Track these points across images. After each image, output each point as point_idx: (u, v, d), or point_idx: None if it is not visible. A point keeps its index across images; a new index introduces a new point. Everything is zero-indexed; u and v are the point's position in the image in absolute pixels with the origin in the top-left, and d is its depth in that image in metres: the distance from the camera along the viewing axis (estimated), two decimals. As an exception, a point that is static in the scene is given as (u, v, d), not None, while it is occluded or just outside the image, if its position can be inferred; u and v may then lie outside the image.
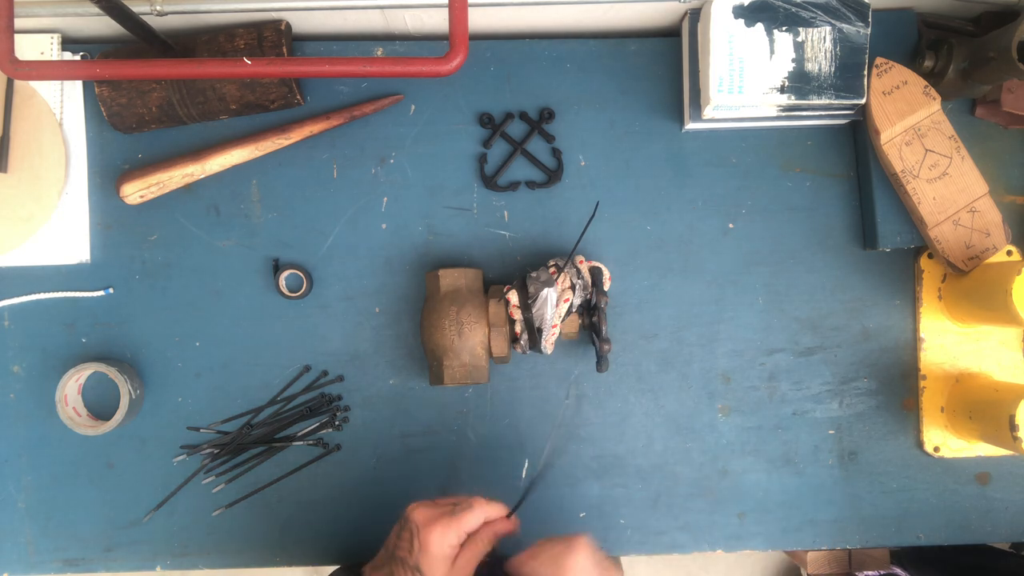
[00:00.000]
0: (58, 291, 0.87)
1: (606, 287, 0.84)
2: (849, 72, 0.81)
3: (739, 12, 0.79)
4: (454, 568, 0.60)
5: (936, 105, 0.84)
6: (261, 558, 0.88)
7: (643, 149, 0.90)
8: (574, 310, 0.82)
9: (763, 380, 0.90)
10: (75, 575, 0.88)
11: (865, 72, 0.81)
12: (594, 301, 0.81)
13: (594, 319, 0.81)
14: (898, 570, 1.41)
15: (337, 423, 0.88)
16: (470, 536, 0.61)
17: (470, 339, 0.80)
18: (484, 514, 0.62)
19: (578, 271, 0.82)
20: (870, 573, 1.45)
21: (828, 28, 0.80)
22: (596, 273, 0.83)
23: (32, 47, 0.86)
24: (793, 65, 0.80)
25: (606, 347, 0.81)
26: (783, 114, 0.84)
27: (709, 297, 0.90)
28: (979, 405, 0.85)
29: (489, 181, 0.89)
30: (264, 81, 0.83)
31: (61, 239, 0.87)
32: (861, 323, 0.91)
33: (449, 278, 0.82)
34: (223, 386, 0.88)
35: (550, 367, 0.89)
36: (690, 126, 0.88)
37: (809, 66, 0.80)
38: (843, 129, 0.90)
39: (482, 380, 0.81)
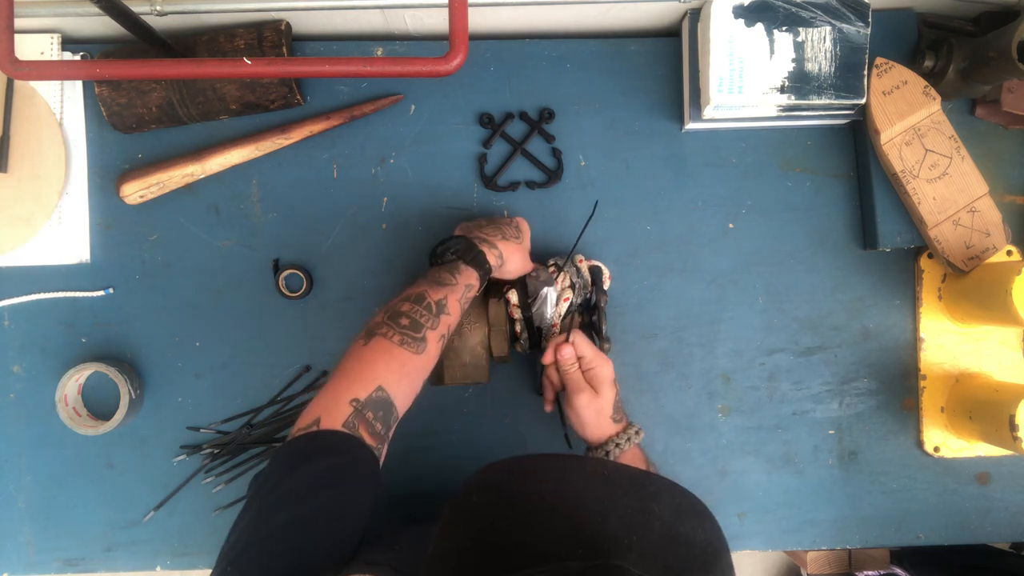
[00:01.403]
0: (58, 291, 0.87)
1: (606, 286, 0.84)
2: (849, 72, 0.81)
3: (739, 12, 0.79)
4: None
5: (936, 105, 0.84)
6: (261, 558, 0.88)
7: (643, 149, 0.90)
8: (574, 309, 0.82)
9: (763, 380, 0.90)
10: (75, 575, 0.88)
11: (865, 72, 0.81)
12: (594, 300, 0.81)
13: (594, 318, 0.81)
14: (898, 570, 1.41)
15: (337, 423, 0.87)
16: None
17: (470, 339, 0.80)
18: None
19: (578, 270, 0.82)
20: (870, 573, 1.45)
21: (828, 28, 0.80)
22: (596, 272, 0.83)
23: (32, 47, 0.86)
24: (793, 65, 0.80)
25: (606, 346, 0.81)
26: (783, 114, 0.84)
27: (709, 297, 0.90)
28: (979, 405, 0.85)
29: (489, 181, 0.89)
30: (264, 81, 0.83)
31: (61, 239, 0.87)
32: (861, 323, 0.91)
33: None
34: (223, 386, 0.88)
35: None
36: (690, 126, 0.88)
37: (809, 66, 0.80)
38: (843, 129, 0.90)
39: (482, 380, 0.81)
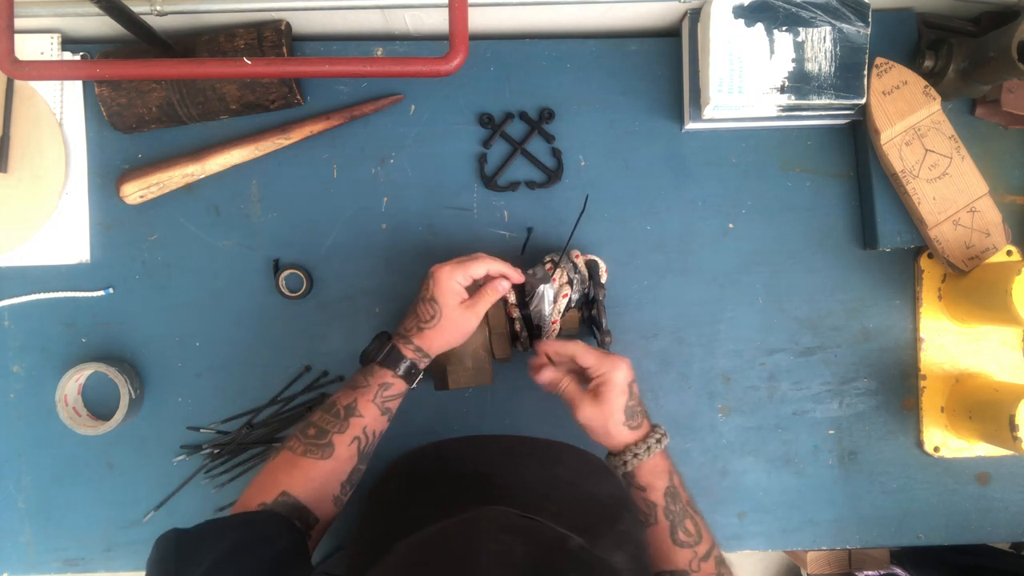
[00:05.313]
0: (58, 291, 0.87)
1: (603, 279, 0.84)
2: (849, 72, 0.81)
3: (739, 12, 0.79)
4: (470, 309, 0.73)
5: (936, 105, 0.84)
6: (261, 558, 0.88)
7: (643, 149, 0.90)
8: (573, 305, 0.82)
9: (763, 380, 0.90)
10: (75, 575, 0.88)
11: (865, 72, 0.81)
12: (592, 294, 0.81)
13: (593, 312, 0.81)
14: (898, 570, 1.41)
15: (337, 423, 0.87)
16: (482, 287, 0.75)
17: (471, 344, 0.79)
18: (488, 264, 0.74)
19: (574, 265, 0.82)
20: (870, 573, 1.45)
21: (828, 28, 0.80)
22: (592, 266, 0.83)
23: (32, 47, 0.86)
24: (793, 65, 0.80)
25: (607, 339, 0.81)
26: (783, 114, 0.84)
27: (709, 297, 0.90)
28: (979, 405, 0.85)
29: (489, 181, 0.89)
30: (264, 81, 0.83)
31: (61, 239, 0.87)
32: (861, 323, 0.91)
33: None
34: (223, 386, 0.88)
35: (550, 367, 0.89)
36: (690, 126, 0.88)
37: (809, 66, 0.80)
38: (843, 129, 0.90)
39: (486, 382, 0.81)
